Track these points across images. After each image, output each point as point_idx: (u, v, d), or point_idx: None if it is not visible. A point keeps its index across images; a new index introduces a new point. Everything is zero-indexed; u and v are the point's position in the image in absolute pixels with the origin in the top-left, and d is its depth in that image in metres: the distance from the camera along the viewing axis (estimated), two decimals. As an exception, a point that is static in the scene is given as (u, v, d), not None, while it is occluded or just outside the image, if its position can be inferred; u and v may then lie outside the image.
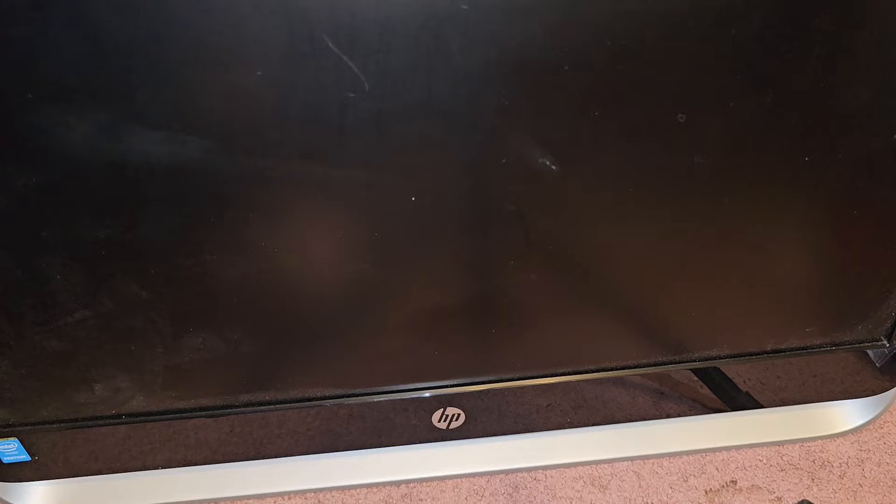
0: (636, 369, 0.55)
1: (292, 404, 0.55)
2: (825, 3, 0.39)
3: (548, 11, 0.37)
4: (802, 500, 0.60)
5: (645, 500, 0.63)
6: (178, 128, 0.39)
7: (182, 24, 0.36)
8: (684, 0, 0.38)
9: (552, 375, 0.55)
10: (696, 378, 0.59)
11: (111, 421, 0.54)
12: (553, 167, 0.43)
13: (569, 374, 0.55)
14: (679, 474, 0.64)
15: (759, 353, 0.56)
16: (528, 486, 0.64)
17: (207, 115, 0.39)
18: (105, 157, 0.40)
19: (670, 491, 0.63)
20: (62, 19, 0.35)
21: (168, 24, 0.36)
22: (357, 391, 0.55)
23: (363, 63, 0.38)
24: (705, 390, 0.60)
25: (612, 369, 0.55)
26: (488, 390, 0.56)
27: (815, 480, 0.64)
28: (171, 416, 0.54)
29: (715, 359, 0.56)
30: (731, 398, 0.61)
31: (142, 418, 0.54)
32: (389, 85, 0.39)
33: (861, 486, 0.64)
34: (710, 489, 0.63)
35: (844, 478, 0.64)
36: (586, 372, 0.55)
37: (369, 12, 0.36)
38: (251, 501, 0.63)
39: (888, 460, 0.65)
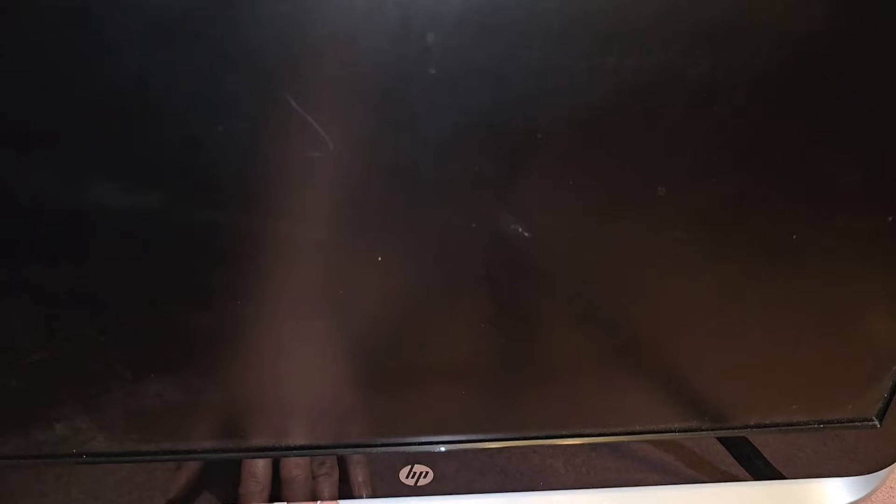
0: (612, 437, 0.53)
1: (256, 453, 0.53)
2: (814, 79, 0.37)
3: (519, 78, 0.36)
4: None
5: (645, 500, 0.61)
6: (135, 180, 0.38)
7: (142, 76, 0.35)
8: (663, 70, 0.36)
9: (522, 439, 0.53)
10: (687, 447, 0.57)
11: (71, 459, 0.53)
12: (525, 234, 0.41)
13: (530, 438, 0.53)
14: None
15: (741, 427, 0.53)
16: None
17: (166, 169, 0.38)
18: (60, 205, 0.39)
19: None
20: (22, 64, 0.34)
21: (128, 75, 0.35)
22: (322, 443, 0.53)
23: (327, 123, 0.37)
24: (695, 458, 0.58)
25: (588, 435, 0.53)
26: (461, 450, 0.54)
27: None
28: (132, 458, 0.53)
29: (696, 430, 0.54)
30: (720, 468, 0.58)
31: (103, 459, 0.53)
32: (354, 146, 0.37)
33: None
34: (710, 490, 0.61)
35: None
36: (558, 437, 0.53)
37: (334, 73, 0.35)
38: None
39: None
